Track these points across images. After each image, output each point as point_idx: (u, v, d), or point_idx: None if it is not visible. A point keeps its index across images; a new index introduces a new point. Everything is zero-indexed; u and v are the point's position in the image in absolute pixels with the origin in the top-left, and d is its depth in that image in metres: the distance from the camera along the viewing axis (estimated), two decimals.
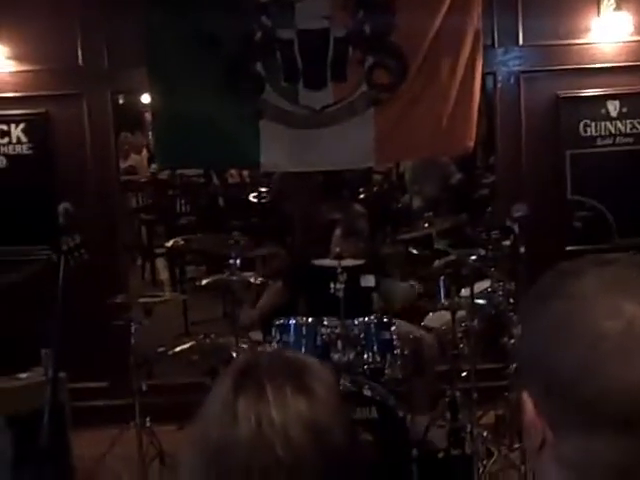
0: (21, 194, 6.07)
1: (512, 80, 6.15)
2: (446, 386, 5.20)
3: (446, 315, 5.23)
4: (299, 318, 4.91)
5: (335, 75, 5.75)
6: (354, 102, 5.75)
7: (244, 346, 5.07)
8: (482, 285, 5.24)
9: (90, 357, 5.74)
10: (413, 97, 5.77)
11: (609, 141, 6.18)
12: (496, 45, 6.10)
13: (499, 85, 6.18)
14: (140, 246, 10.52)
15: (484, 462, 4.83)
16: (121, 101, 9.26)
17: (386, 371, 4.77)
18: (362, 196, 9.62)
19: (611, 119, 6.16)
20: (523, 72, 6.13)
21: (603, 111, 6.14)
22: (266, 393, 1.20)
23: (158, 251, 10.07)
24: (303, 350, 4.69)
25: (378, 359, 4.77)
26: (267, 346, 4.94)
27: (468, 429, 4.88)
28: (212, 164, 7.80)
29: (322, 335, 4.79)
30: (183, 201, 10.71)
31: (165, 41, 5.71)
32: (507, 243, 5.24)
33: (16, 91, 6.02)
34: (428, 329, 5.45)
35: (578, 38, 6.05)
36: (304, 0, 5.66)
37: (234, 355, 4.94)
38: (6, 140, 6.08)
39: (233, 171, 10.77)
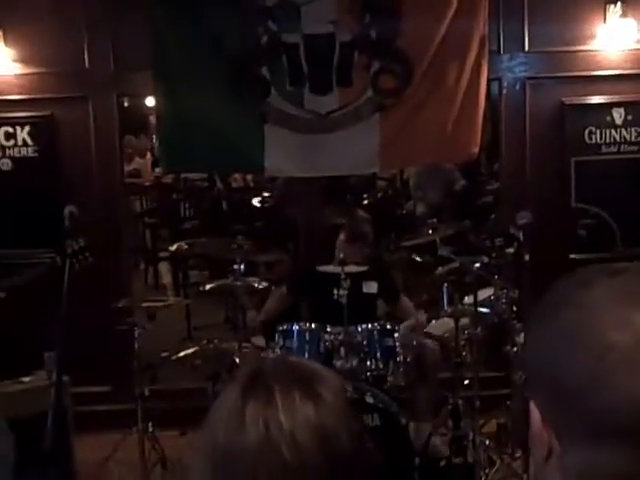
0: (26, 197, 6.06)
1: (517, 86, 6.15)
2: (448, 394, 5.19)
3: (449, 322, 5.22)
4: (302, 324, 4.91)
5: (341, 80, 5.75)
6: (359, 107, 5.74)
7: (247, 351, 5.07)
8: (485, 293, 5.23)
9: (93, 361, 5.74)
10: (418, 102, 5.76)
11: (614, 149, 6.18)
12: (502, 51, 6.10)
13: (504, 91, 6.17)
14: (144, 250, 10.53)
15: (486, 471, 4.83)
16: (126, 104, 9.27)
17: (389, 378, 4.77)
18: (366, 202, 9.63)
19: (616, 127, 6.15)
20: (529, 78, 6.12)
21: (608, 118, 6.14)
22: (275, 398, 1.20)
23: (161, 255, 10.08)
24: (306, 356, 4.68)
25: (381, 366, 4.77)
26: (270, 352, 4.93)
27: (470, 437, 4.87)
28: (216, 168, 7.79)
29: (325, 341, 4.79)
30: (187, 205, 10.75)
31: (171, 44, 5.72)
32: (511, 250, 5.22)
33: (22, 94, 6.03)
34: (431, 336, 5.43)
35: (584, 45, 6.05)
36: (310, 4, 5.66)
37: (237, 360, 4.93)
38: (12, 142, 6.08)
39: (237, 175, 10.78)
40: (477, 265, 5.02)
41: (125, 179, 7.16)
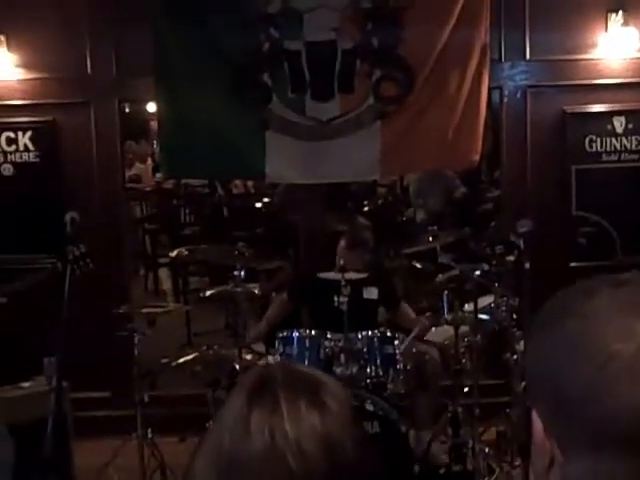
0: (27, 202, 6.07)
1: (519, 94, 6.16)
2: (448, 401, 5.18)
3: (449, 330, 5.22)
4: (302, 331, 4.91)
5: (342, 87, 5.75)
6: (361, 114, 5.75)
7: (247, 357, 5.07)
8: (485, 300, 5.23)
9: (93, 367, 5.74)
10: (420, 110, 5.77)
11: (614, 157, 6.19)
12: (503, 59, 6.11)
13: (505, 99, 6.18)
14: (144, 256, 10.52)
15: (485, 479, 4.82)
16: (127, 110, 9.29)
17: (389, 385, 4.77)
18: (366, 208, 9.63)
19: (617, 135, 6.17)
20: (530, 87, 6.14)
21: (609, 127, 6.16)
22: (280, 407, 1.20)
23: (162, 261, 10.07)
24: (306, 363, 4.68)
25: (381, 373, 4.77)
26: (270, 358, 4.93)
27: (470, 445, 4.87)
28: (217, 174, 7.77)
29: (325, 348, 4.79)
30: (187, 211, 10.73)
31: (173, 50, 5.73)
32: (511, 258, 5.22)
33: (24, 99, 6.04)
34: (431, 344, 5.43)
35: (585, 53, 6.06)
36: (312, 12, 5.66)
37: (237, 367, 4.93)
38: (13, 148, 6.09)
39: (238, 181, 10.77)
40: (477, 273, 5.02)
41: (125, 184, 7.17)
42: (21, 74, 6.01)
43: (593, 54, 6.06)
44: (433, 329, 5.60)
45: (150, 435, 4.98)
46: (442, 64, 5.73)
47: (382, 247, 7.83)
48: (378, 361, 4.78)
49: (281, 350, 4.86)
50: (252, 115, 5.77)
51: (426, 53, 5.71)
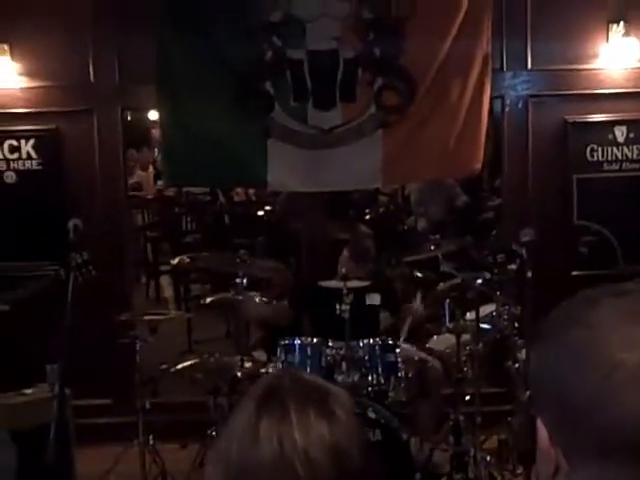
0: (30, 210, 6.07)
1: (520, 104, 6.17)
2: (450, 409, 5.18)
3: (451, 338, 5.22)
4: (304, 338, 4.91)
5: (344, 96, 5.76)
6: (363, 123, 5.75)
7: (248, 365, 5.07)
8: (487, 309, 5.24)
9: (95, 374, 5.73)
10: (421, 119, 5.78)
11: (616, 166, 6.19)
12: (505, 69, 6.13)
13: (507, 109, 6.19)
14: (145, 263, 10.52)
15: None
16: (129, 118, 9.30)
17: (390, 393, 4.76)
18: (368, 217, 9.63)
19: (618, 144, 6.18)
20: (531, 96, 6.15)
21: (610, 136, 6.16)
22: (289, 415, 1.22)
23: (163, 268, 10.07)
24: (308, 371, 4.68)
25: (382, 381, 4.77)
26: (271, 366, 4.94)
27: (471, 453, 4.87)
28: (219, 182, 7.77)
29: (327, 356, 4.79)
30: (189, 218, 10.73)
31: (175, 58, 5.73)
32: (513, 267, 5.23)
33: (27, 107, 6.05)
34: (432, 352, 5.43)
35: (586, 63, 6.08)
36: (315, 21, 5.67)
37: (238, 374, 4.93)
38: (16, 156, 6.09)
39: (239, 189, 10.76)
40: (479, 281, 5.03)
41: (128, 192, 7.18)
42: (24, 82, 6.02)
43: (594, 64, 6.08)
44: (435, 337, 5.60)
45: (151, 442, 4.99)
46: (444, 74, 5.74)
47: (384, 256, 7.83)
48: (379, 369, 4.78)
49: (283, 358, 4.86)
50: (254, 123, 5.77)
51: (428, 63, 5.72)
